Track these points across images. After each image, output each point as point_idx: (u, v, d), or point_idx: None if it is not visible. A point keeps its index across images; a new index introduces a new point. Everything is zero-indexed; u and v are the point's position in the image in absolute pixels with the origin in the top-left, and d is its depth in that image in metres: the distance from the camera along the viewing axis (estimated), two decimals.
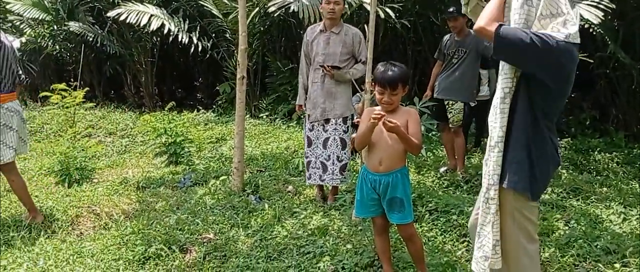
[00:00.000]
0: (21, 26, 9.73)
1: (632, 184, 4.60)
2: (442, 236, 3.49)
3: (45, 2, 8.89)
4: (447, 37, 5.03)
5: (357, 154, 4.95)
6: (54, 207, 4.01)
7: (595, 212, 3.83)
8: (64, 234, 3.67)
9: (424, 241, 3.32)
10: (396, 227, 2.87)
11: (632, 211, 3.84)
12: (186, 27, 8.01)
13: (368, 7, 4.78)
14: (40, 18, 9.01)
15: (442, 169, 5.01)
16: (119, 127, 7.53)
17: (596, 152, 5.58)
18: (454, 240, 3.43)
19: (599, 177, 4.85)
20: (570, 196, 4.26)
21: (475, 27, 2.08)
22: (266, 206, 4.04)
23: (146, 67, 9.22)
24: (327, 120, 4.07)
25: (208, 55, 8.52)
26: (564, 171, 4.99)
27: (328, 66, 3.97)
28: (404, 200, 2.66)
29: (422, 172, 5.01)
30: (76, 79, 8.52)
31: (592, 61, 5.71)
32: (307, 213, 3.88)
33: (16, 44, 8.59)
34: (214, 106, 8.74)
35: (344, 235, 3.47)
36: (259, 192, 4.39)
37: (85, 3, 8.98)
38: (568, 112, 7.09)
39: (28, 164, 5.73)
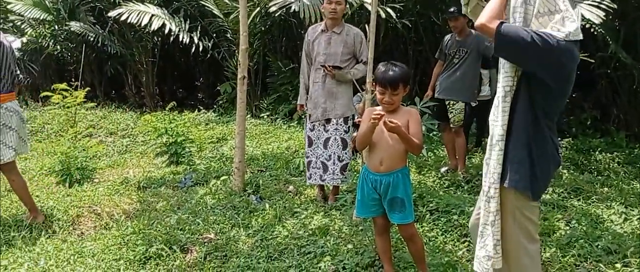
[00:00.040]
0: (22, 26, 9.76)
1: (633, 184, 4.60)
2: (443, 236, 3.49)
3: (46, 2, 8.89)
4: (448, 37, 5.03)
5: (358, 154, 4.95)
6: (54, 207, 4.01)
7: (596, 212, 3.83)
8: (65, 234, 3.67)
9: (424, 241, 3.31)
10: (397, 227, 2.87)
11: (633, 211, 3.83)
12: (187, 27, 8.01)
13: (369, 7, 4.77)
14: (41, 18, 9.02)
15: (443, 169, 5.01)
16: (120, 127, 7.53)
17: (597, 152, 5.57)
18: (455, 240, 3.43)
19: (600, 177, 4.85)
20: (571, 196, 4.26)
21: (476, 23, 2.08)
22: (267, 205, 4.04)
23: (147, 67, 9.23)
24: (328, 120, 4.07)
25: (209, 55, 8.53)
26: (565, 171, 4.99)
27: (329, 66, 3.97)
28: (405, 200, 2.66)
29: (423, 172, 5.01)
30: (77, 78, 8.55)
31: (593, 61, 5.70)
32: (307, 213, 3.88)
33: (17, 44, 8.62)
34: (215, 106, 8.74)
35: (345, 235, 3.46)
36: (260, 192, 4.39)
37: (86, 3, 9.00)
38: (569, 112, 7.08)
39: (29, 164, 5.74)
